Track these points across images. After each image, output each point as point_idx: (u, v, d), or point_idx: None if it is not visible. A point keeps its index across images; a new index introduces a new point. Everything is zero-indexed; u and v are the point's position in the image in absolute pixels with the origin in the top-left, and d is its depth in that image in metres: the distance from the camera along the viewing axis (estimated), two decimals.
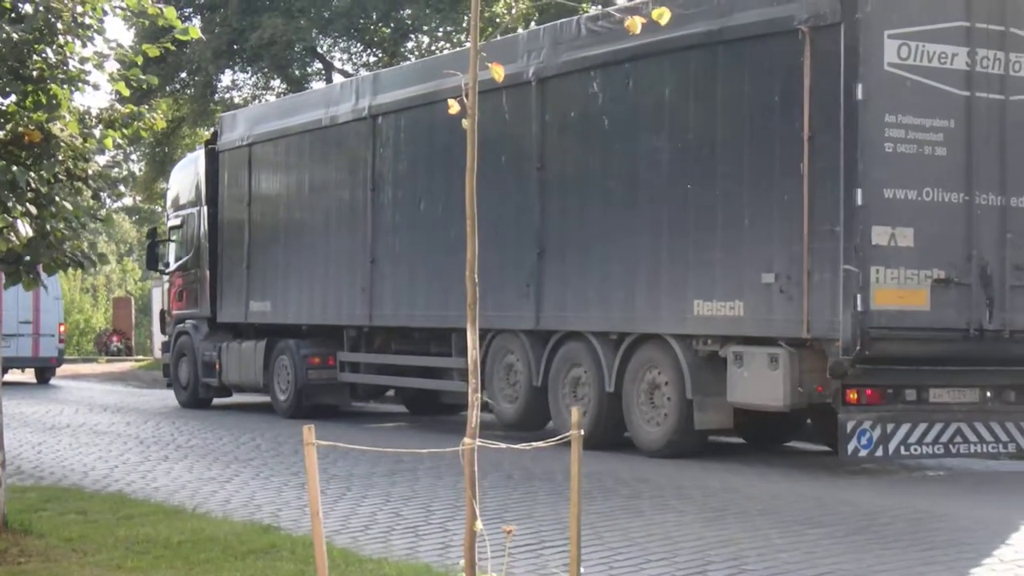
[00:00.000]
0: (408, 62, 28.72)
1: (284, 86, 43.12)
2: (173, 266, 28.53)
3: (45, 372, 37.22)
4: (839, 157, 14.79)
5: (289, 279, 24.63)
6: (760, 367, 15.74)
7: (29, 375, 38.15)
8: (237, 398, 27.74)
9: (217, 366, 26.22)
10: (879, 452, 15.11)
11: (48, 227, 12.03)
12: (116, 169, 12.99)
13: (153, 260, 29.50)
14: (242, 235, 26.05)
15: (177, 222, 28.56)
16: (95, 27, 12.05)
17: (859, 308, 14.61)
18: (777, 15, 15.62)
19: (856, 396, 15.00)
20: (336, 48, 44.67)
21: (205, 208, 27.13)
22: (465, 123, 7.63)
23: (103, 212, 13.76)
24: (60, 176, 12.22)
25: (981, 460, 16.72)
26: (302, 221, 24.62)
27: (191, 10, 41.39)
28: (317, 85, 41.82)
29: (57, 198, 12.27)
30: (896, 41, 14.93)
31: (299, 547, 11.00)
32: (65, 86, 12.07)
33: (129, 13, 12.14)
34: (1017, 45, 15.56)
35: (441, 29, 41.98)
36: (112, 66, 12.59)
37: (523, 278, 19.06)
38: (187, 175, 28.79)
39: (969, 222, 15.26)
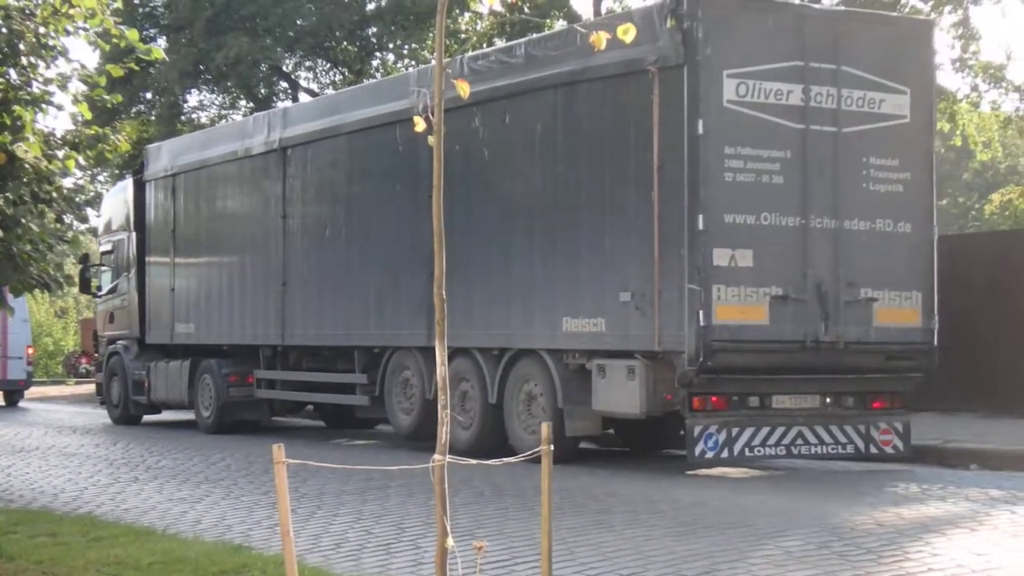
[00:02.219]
0: (317, 97, 29.56)
1: (251, 105, 43.07)
2: (105, 289, 29.68)
3: (13, 395, 37.24)
4: (683, 186, 16.14)
5: (210, 302, 25.86)
6: (619, 378, 17.09)
7: None
8: (166, 415, 28.85)
9: (146, 385, 27.48)
10: (724, 454, 16.39)
11: (14, 249, 12.02)
12: (80, 194, 12.98)
13: (86, 284, 30.25)
14: (168, 260, 27.22)
15: (108, 247, 29.74)
16: (58, 48, 12.05)
17: (702, 323, 15.94)
18: (630, 57, 16.59)
19: (702, 403, 16.32)
20: (302, 67, 44.66)
21: (134, 234, 28.28)
22: (431, 140, 7.65)
23: (70, 234, 13.73)
24: (25, 198, 12.20)
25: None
26: (221, 247, 25.92)
27: (156, 30, 41.32)
28: (284, 104, 41.81)
29: (23, 220, 12.26)
30: (735, 80, 16.26)
31: (270, 566, 10.95)
32: (29, 107, 12.06)
33: (92, 34, 12.11)
34: (849, 81, 16.90)
35: (406, 47, 42.02)
36: (76, 87, 12.60)
37: (416, 299, 20.07)
38: (117, 202, 29.91)
39: (805, 243, 16.63)
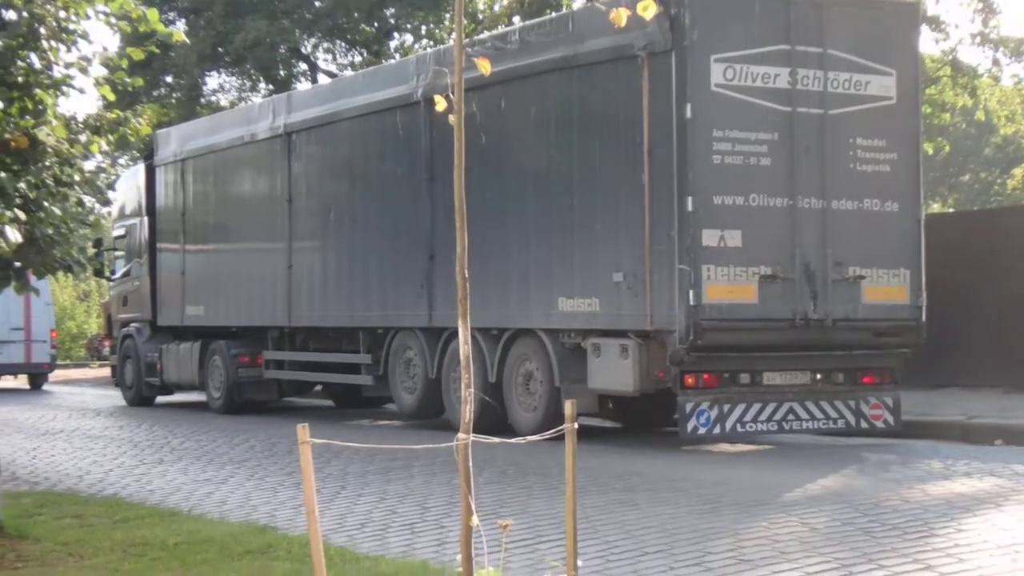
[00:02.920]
0: (319, 84, 29.85)
1: (270, 88, 43.07)
2: (119, 273, 30.24)
3: (37, 378, 37.47)
4: (672, 169, 16.50)
5: (219, 284, 26.43)
6: (613, 357, 17.46)
7: (22, 381, 38.13)
8: (179, 396, 29.43)
9: (158, 367, 28.05)
10: (716, 429, 16.77)
11: (37, 232, 12.03)
12: (103, 174, 12.99)
13: (99, 269, 30.24)
14: (178, 244, 27.67)
15: (121, 232, 30.30)
16: (79, 32, 12.04)
17: (692, 303, 16.32)
18: (620, 43, 17.08)
19: (694, 380, 16.72)
20: (320, 48, 44.63)
21: (146, 219, 28.75)
22: (452, 119, 7.63)
23: (92, 217, 13.74)
24: (47, 181, 12.22)
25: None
26: (229, 231, 26.52)
27: (175, 13, 41.29)
28: (303, 86, 41.79)
29: (45, 203, 12.28)
30: (722, 64, 16.61)
31: (295, 546, 11.01)
32: (51, 91, 12.07)
33: (112, 18, 12.10)
34: (835, 64, 17.24)
35: (424, 27, 41.97)
36: (97, 70, 12.61)
37: (418, 280, 20.83)
38: (130, 187, 30.33)
39: (793, 224, 16.99)
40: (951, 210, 56.57)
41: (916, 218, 17.74)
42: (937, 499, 12.26)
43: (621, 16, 7.51)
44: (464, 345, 7.48)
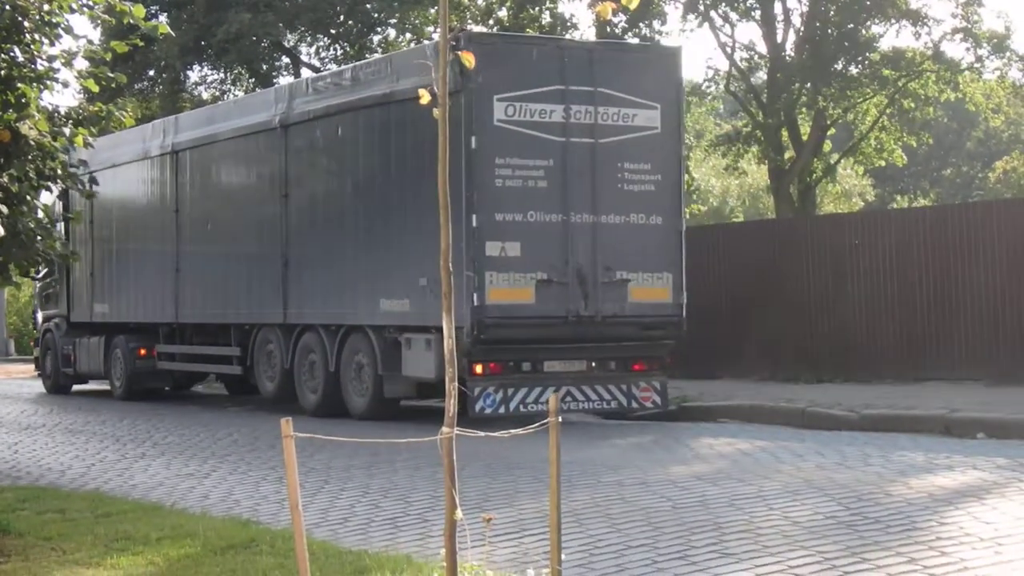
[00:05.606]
0: (203, 108, 31.12)
1: (252, 81, 42.97)
2: (42, 272, 31.35)
3: None
4: (461, 191, 18.84)
5: (120, 285, 29.15)
6: (420, 349, 20.28)
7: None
8: (92, 385, 31.95)
9: (72, 358, 30.91)
10: (502, 410, 19.43)
11: (19, 226, 12.01)
12: (82, 168, 12.97)
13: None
14: (88, 247, 29.86)
15: None
16: (63, 25, 12.01)
17: (476, 303, 19.11)
18: (423, 82, 18.11)
19: (481, 369, 19.44)
20: (303, 43, 44.53)
21: (62, 223, 29.33)
22: (436, 112, 7.65)
23: (74, 211, 13.72)
24: (30, 175, 12.19)
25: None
26: (130, 237, 28.97)
27: (157, 7, 41.18)
28: (285, 79, 41.70)
29: (28, 197, 12.26)
30: (504, 103, 19.33)
31: (279, 541, 11.00)
32: (34, 85, 12.04)
33: (97, 11, 12.06)
34: (605, 100, 19.94)
35: (408, 22, 41.89)
36: (81, 64, 12.58)
37: (275, 283, 23.67)
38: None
39: (566, 236, 19.75)
40: (930, 204, 56.71)
41: (677, 229, 20.45)
42: (919, 492, 12.29)
43: (606, 9, 7.55)
44: (448, 340, 7.50)
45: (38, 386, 33.50)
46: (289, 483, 7.54)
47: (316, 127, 22.76)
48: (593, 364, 20.15)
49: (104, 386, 30.56)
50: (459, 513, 7.25)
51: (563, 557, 8.04)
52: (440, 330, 18.73)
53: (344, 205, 22.31)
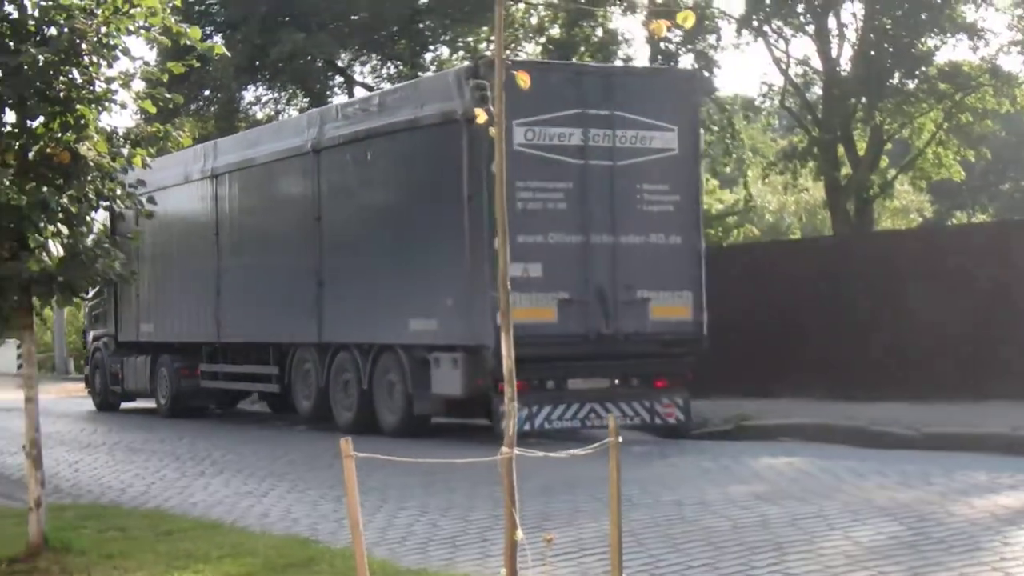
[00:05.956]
0: (241, 133, 31.45)
1: (307, 100, 43.14)
2: (91, 292, 31.50)
3: None
4: (484, 214, 19.50)
5: (165, 305, 29.60)
6: (448, 367, 20.58)
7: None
8: (140, 403, 32.00)
9: (120, 376, 31.55)
10: (526, 427, 19.50)
11: (79, 247, 12.07)
12: (140, 188, 13.03)
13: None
14: (135, 270, 29.49)
15: None
16: (120, 47, 12.07)
17: (499, 323, 17.10)
18: (447, 109, 20.50)
19: None
20: (356, 62, 44.66)
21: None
22: (492, 131, 7.63)
23: (133, 231, 13.80)
24: (89, 195, 12.25)
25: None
26: (174, 259, 29.39)
27: (212, 28, 41.38)
28: (340, 98, 41.83)
29: (88, 218, 12.32)
30: (523, 127, 19.72)
31: (338, 560, 11.01)
32: (92, 106, 12.10)
33: (154, 33, 12.11)
34: (622, 124, 20.38)
35: (460, 40, 41.98)
36: (138, 85, 12.63)
37: (309, 304, 24.02)
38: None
39: (586, 256, 20.24)
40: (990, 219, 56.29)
41: (696, 248, 20.92)
42: (982, 512, 12.19)
43: (661, 27, 7.54)
44: (507, 360, 7.48)
45: (91, 404, 33.75)
46: (349, 503, 7.54)
47: (346, 152, 23.26)
48: (616, 381, 20.58)
49: (151, 404, 30.87)
50: (520, 533, 7.23)
51: None
52: (466, 348, 19.95)
53: (373, 227, 22.74)
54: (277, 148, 25.44)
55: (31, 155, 11.95)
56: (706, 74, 34.92)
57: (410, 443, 19.88)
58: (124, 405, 32.57)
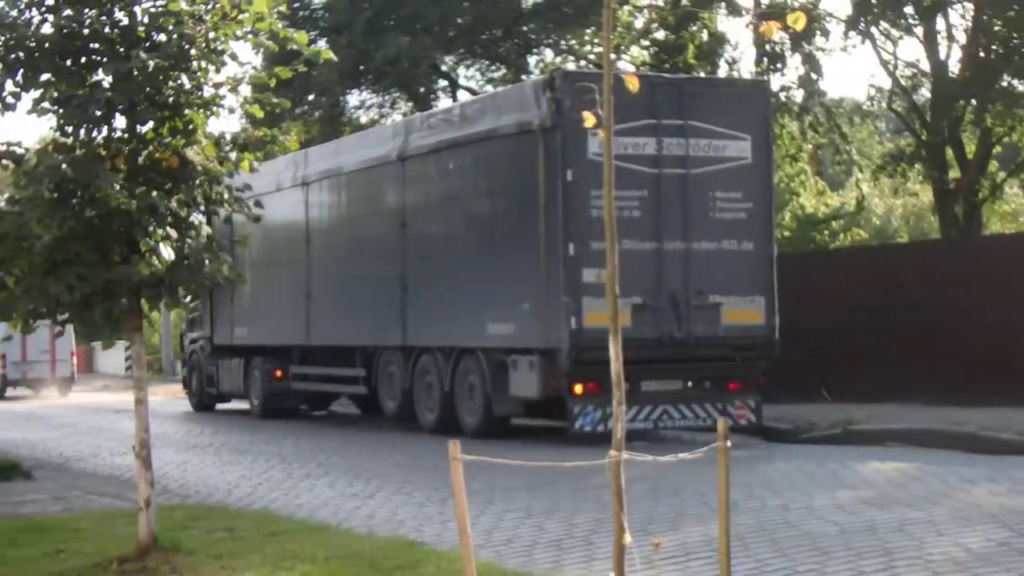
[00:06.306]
0: (330, 142, 31.82)
1: (410, 104, 43.30)
2: (188, 298, 31.91)
3: (62, 388, 47.85)
4: (559, 222, 20.33)
5: (258, 309, 30.36)
6: (524, 369, 21.27)
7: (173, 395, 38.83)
8: (234, 404, 32.83)
9: (215, 378, 32.65)
10: (600, 427, 20.17)
11: (188, 250, 12.18)
12: (248, 191, 13.12)
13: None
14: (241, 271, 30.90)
15: None
16: (228, 52, 12.17)
17: (573, 327, 20.13)
18: (524, 119, 21.17)
19: (581, 389, 20.41)
20: (460, 65, 44.76)
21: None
22: (601, 134, 7.61)
23: (240, 235, 13.91)
24: (197, 200, 12.37)
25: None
26: (263, 263, 29.94)
27: (316, 32, 41.62)
28: (444, 102, 41.97)
29: (196, 222, 12.43)
30: (597, 137, 18.77)
31: (444, 562, 11.03)
32: (200, 111, 12.21)
33: (261, 38, 12.19)
34: (695, 133, 20.98)
35: (563, 43, 41.96)
36: (245, 90, 12.71)
37: (394, 308, 24.73)
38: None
39: (659, 262, 20.72)
40: None
41: (768, 255, 21.38)
42: None
43: (771, 28, 7.50)
44: (615, 362, 7.46)
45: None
46: (457, 505, 7.55)
47: (430, 161, 23.95)
48: (688, 383, 21.19)
49: (245, 405, 31.63)
50: (628, 537, 7.20)
51: None
52: (542, 351, 20.58)
53: (455, 234, 23.41)
54: (365, 157, 26.15)
55: (140, 160, 12.06)
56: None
57: (494, 444, 19.88)
58: (219, 406, 33.52)
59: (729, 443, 7.74)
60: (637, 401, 20.36)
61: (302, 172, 28.30)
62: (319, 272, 27.86)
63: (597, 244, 19.78)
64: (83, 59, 11.89)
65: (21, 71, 11.77)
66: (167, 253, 11.66)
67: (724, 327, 21.05)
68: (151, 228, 11.72)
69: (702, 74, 37.88)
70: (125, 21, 11.91)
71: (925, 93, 38.63)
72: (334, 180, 27.35)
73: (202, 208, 12.57)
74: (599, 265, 19.22)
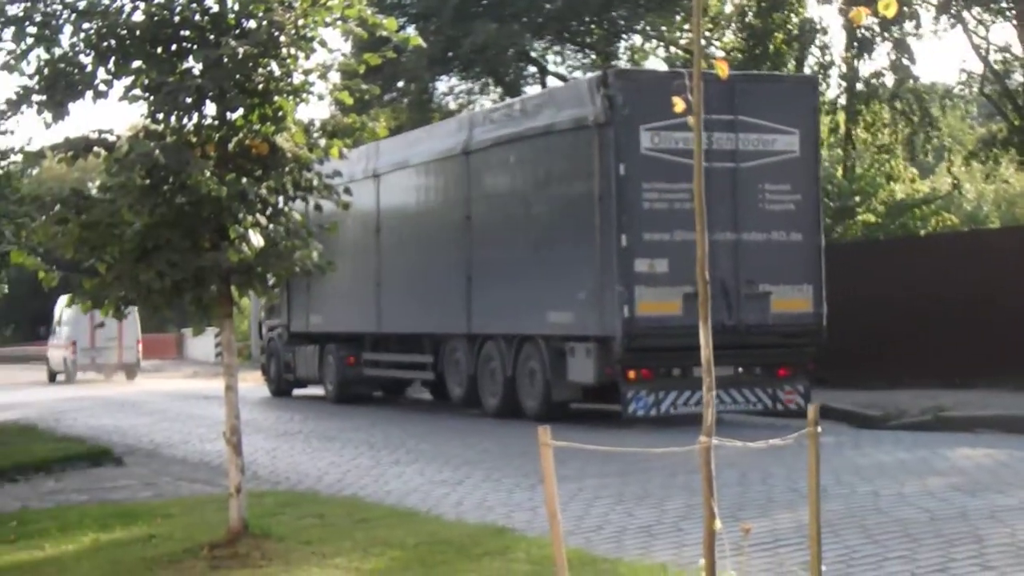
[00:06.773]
0: (401, 135, 31.49)
1: (499, 91, 43.33)
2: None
3: (129, 373, 49.54)
4: (613, 214, 21.05)
5: (332, 297, 30.87)
6: (581, 356, 22.09)
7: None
8: (310, 389, 33.55)
9: (292, 365, 33.46)
10: (653, 412, 21.07)
11: (278, 237, 12.25)
12: (337, 178, 13.16)
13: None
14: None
15: None
16: (317, 39, 12.21)
17: (626, 315, 20.91)
18: (579, 115, 21.98)
19: (634, 374, 21.14)
20: (550, 51, 44.73)
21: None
22: (691, 120, 7.57)
23: (330, 222, 13.95)
24: (287, 186, 12.42)
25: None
26: (338, 252, 30.48)
27: (405, 19, 41.74)
28: (532, 89, 41.95)
29: (285, 208, 12.50)
30: (650, 132, 21.00)
31: (533, 548, 11.03)
32: (290, 98, 12.26)
33: (350, 24, 12.22)
34: (745, 127, 21.62)
35: (653, 29, 41.82)
36: (334, 77, 12.76)
37: (460, 296, 25.49)
38: None
39: (711, 253, 18.64)
40: None
41: (816, 245, 22.13)
42: None
43: (860, 14, 7.44)
44: (705, 349, 7.40)
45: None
46: (547, 492, 7.54)
47: (492, 154, 24.63)
48: (740, 369, 21.73)
49: (320, 391, 32.29)
50: (719, 523, 7.17)
51: (823, 568, 7.89)
52: (598, 339, 21.26)
53: (516, 225, 24.00)
54: (432, 149, 26.86)
55: (230, 146, 12.13)
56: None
57: (557, 428, 19.87)
58: (296, 392, 34.19)
59: (820, 429, 7.68)
60: (688, 387, 20.99)
61: (374, 164, 28.86)
62: (389, 262, 28.62)
63: (649, 235, 20.95)
64: (174, 46, 11.98)
65: (113, 59, 11.87)
66: (257, 240, 11.72)
67: (773, 315, 21.73)
68: (241, 215, 11.79)
69: (792, 61, 37.70)
70: (215, 8, 11.99)
71: (1018, 78, 38.25)
72: (403, 172, 28.05)
73: (292, 195, 12.61)
74: (652, 255, 21.00)
